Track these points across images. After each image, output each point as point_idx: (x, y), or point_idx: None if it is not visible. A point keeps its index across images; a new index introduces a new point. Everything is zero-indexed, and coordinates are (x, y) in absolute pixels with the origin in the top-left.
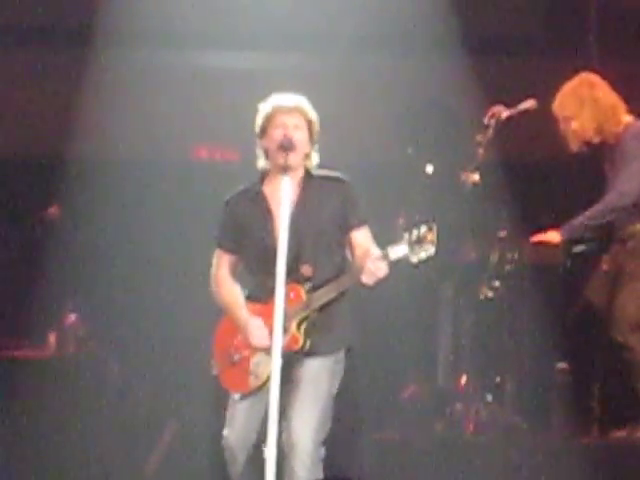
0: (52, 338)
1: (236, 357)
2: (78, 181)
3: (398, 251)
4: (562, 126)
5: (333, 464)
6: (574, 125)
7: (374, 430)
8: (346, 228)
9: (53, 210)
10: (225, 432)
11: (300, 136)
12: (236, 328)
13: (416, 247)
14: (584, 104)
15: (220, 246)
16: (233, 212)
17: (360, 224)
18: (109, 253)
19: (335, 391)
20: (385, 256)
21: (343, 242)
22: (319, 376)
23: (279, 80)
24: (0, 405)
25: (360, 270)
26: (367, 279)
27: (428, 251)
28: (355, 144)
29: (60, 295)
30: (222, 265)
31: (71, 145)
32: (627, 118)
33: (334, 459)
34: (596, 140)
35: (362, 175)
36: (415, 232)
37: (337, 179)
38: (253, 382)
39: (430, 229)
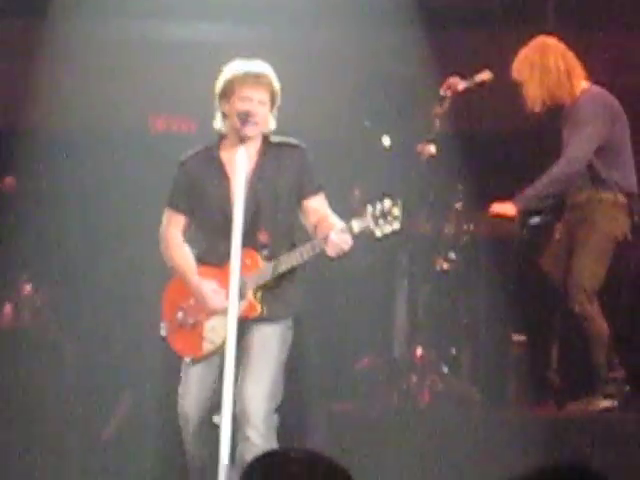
0: (8, 308)
1: (190, 320)
2: (34, 151)
3: (362, 224)
4: (521, 90)
5: (288, 435)
6: (526, 90)
7: (329, 401)
8: (302, 194)
9: (8, 181)
10: (179, 398)
11: (263, 110)
12: (186, 291)
13: (380, 221)
14: (534, 69)
15: (172, 206)
16: (188, 174)
17: (316, 191)
18: (65, 223)
19: (285, 357)
20: (349, 229)
21: (299, 209)
22: (269, 342)
23: (234, 52)
24: None
25: (323, 241)
26: (331, 251)
27: (393, 225)
28: (311, 116)
29: (16, 266)
30: (172, 225)
31: (27, 115)
32: (584, 83)
33: (289, 430)
34: (549, 104)
35: (318, 147)
36: (379, 206)
37: (294, 145)
38: (207, 347)
39: (395, 204)
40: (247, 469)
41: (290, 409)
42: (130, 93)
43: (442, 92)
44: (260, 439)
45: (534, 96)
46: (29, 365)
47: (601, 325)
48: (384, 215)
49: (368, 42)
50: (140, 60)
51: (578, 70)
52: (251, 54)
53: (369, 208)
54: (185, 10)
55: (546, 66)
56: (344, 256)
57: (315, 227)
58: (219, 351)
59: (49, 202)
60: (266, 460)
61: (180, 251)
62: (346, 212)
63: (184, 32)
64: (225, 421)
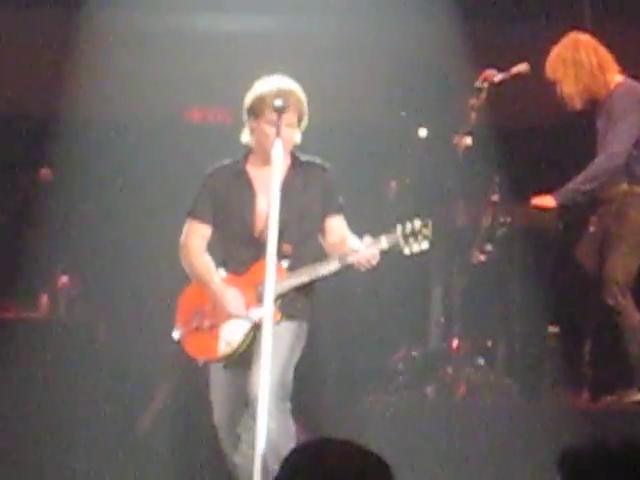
0: (44, 300)
1: (206, 323)
2: (70, 143)
3: (391, 240)
4: (557, 89)
5: (324, 427)
6: (562, 88)
7: (366, 393)
8: (324, 213)
9: (44, 172)
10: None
11: (291, 134)
12: (204, 295)
13: (410, 239)
14: (567, 66)
15: (194, 216)
16: (213, 186)
17: (337, 211)
18: (101, 215)
19: (296, 357)
20: (377, 243)
21: (320, 227)
22: (282, 334)
23: (270, 44)
24: None
25: (350, 254)
26: (359, 264)
27: (422, 245)
28: (348, 108)
29: (52, 257)
30: (193, 234)
31: (64, 107)
32: (618, 77)
33: (326, 422)
34: (587, 99)
35: (356, 138)
36: (409, 225)
37: (319, 166)
38: (224, 349)
39: (425, 224)
40: (289, 457)
41: (328, 400)
42: (167, 84)
43: (478, 84)
44: (274, 423)
45: (571, 93)
46: (64, 356)
47: (634, 318)
48: (414, 234)
49: (405, 33)
50: (176, 51)
51: (611, 64)
52: (288, 46)
53: (399, 227)
54: (221, 1)
55: (579, 61)
56: (371, 270)
57: (333, 247)
58: (235, 354)
59: (84, 193)
60: (307, 450)
61: (201, 259)
62: (384, 205)
63: (220, 23)
64: (261, 422)
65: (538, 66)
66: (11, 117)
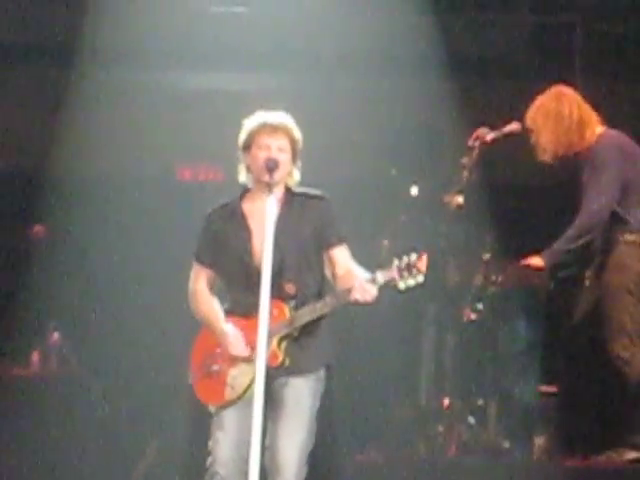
0: (35, 356)
1: (214, 368)
2: (62, 198)
3: (386, 276)
4: (531, 139)
5: None
6: (537, 138)
7: (356, 451)
8: (326, 246)
9: (37, 229)
10: (214, 444)
11: (284, 158)
12: (214, 340)
13: (405, 274)
14: (548, 118)
15: (198, 260)
16: (211, 227)
17: (339, 242)
18: (92, 271)
19: (317, 409)
20: (374, 280)
21: (323, 260)
22: (302, 395)
23: (261, 100)
24: None
25: (347, 291)
26: (354, 301)
27: (417, 279)
28: (338, 164)
29: (43, 313)
30: (200, 279)
31: (54, 163)
32: (599, 129)
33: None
34: (561, 153)
35: (345, 195)
36: (405, 259)
37: (317, 197)
38: (229, 394)
39: (420, 257)
40: None
41: (316, 457)
42: (157, 142)
43: (470, 142)
44: None
45: (545, 144)
46: (56, 413)
47: None
48: (409, 268)
49: (397, 91)
50: (166, 109)
51: (593, 119)
52: (278, 102)
53: (395, 261)
54: (212, 59)
55: (560, 114)
56: (368, 305)
57: (341, 279)
58: (240, 399)
59: (78, 250)
60: None
61: (207, 302)
62: (374, 262)
63: (211, 81)
64: (253, 472)
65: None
66: (3, 173)
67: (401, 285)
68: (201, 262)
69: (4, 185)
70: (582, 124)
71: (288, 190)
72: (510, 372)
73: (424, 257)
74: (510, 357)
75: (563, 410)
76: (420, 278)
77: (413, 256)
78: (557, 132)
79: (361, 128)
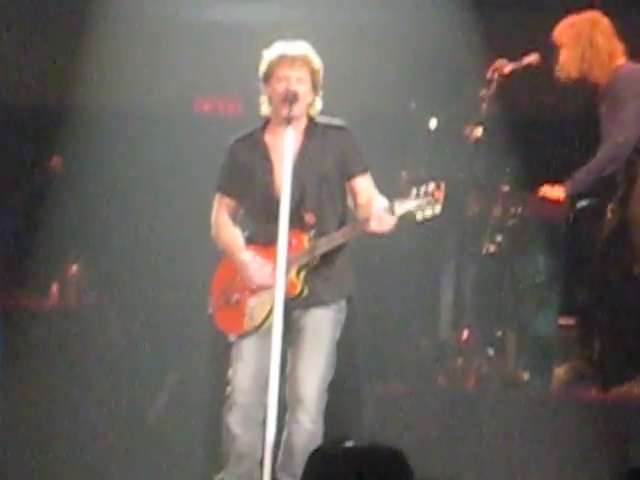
0: (54, 289)
1: (233, 298)
2: (80, 131)
3: (405, 206)
4: (559, 54)
5: (334, 417)
6: (564, 54)
7: (376, 383)
8: (348, 175)
9: (55, 161)
10: (233, 373)
11: (303, 89)
12: (234, 270)
13: (422, 203)
14: (580, 39)
15: (220, 190)
16: (234, 158)
17: (362, 171)
18: (112, 204)
19: (337, 340)
20: (391, 209)
21: (345, 190)
22: (323, 325)
23: (280, 32)
24: (3, 356)
25: (365, 221)
26: (371, 229)
27: (434, 209)
28: (357, 98)
29: (62, 246)
30: (222, 209)
31: (73, 95)
32: (621, 60)
33: (335, 411)
34: (581, 77)
35: (364, 128)
36: (423, 188)
37: (339, 127)
38: (248, 323)
39: (438, 187)
40: (311, 460)
41: (336, 390)
42: (176, 75)
43: (489, 75)
44: (310, 423)
45: (571, 64)
46: (75, 345)
47: None
48: (427, 197)
49: (415, 23)
50: (186, 40)
51: (619, 50)
52: (296, 34)
53: (413, 190)
54: None
55: (593, 42)
56: (385, 235)
57: (360, 207)
58: (260, 328)
59: (95, 182)
60: (328, 451)
61: (228, 231)
62: (393, 194)
63: (230, 12)
64: (272, 401)
65: (549, 56)
66: (22, 106)
67: (418, 216)
68: (224, 192)
69: (22, 118)
70: (611, 58)
71: (310, 120)
72: (529, 304)
73: (442, 186)
74: (529, 289)
75: (583, 342)
76: (437, 208)
77: (431, 185)
78: (583, 54)
79: (380, 61)
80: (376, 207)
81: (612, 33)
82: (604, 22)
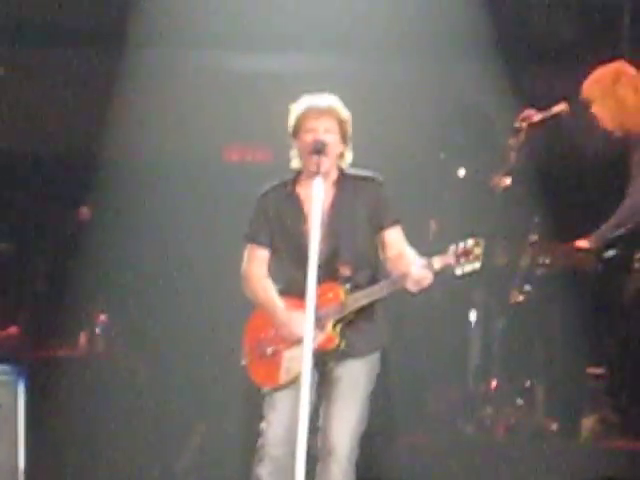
0: (83, 338)
1: (269, 350)
2: (110, 181)
3: (443, 261)
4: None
5: (364, 466)
6: (595, 110)
7: (405, 433)
8: (379, 227)
9: (84, 210)
10: (266, 425)
11: (331, 139)
12: (268, 322)
13: (462, 259)
14: (605, 95)
15: (252, 240)
16: (266, 208)
17: (393, 223)
18: (140, 253)
19: (371, 391)
20: (430, 265)
21: (377, 242)
22: (357, 378)
23: (311, 82)
24: (33, 403)
25: (403, 277)
26: (411, 286)
27: (473, 265)
28: (387, 147)
29: (91, 295)
30: (254, 260)
31: (104, 145)
32: None
33: (365, 461)
34: (614, 130)
35: (394, 178)
36: (462, 245)
37: (371, 179)
38: (284, 376)
39: (477, 244)
40: None
41: (366, 439)
42: (206, 124)
43: (517, 124)
44: (342, 475)
45: (603, 119)
46: (103, 395)
47: None
48: (466, 254)
49: (445, 73)
50: (215, 91)
51: None
52: (328, 85)
53: (452, 247)
54: (261, 41)
55: (618, 97)
56: (423, 291)
57: (392, 261)
58: (295, 381)
59: (125, 232)
60: None
61: (263, 284)
62: (423, 244)
63: (260, 63)
64: (300, 452)
65: (577, 107)
66: (53, 156)
67: (458, 271)
68: (257, 242)
69: (53, 168)
70: (636, 107)
71: (341, 172)
72: (558, 354)
73: (481, 243)
74: (558, 339)
75: (611, 392)
76: (477, 264)
77: (470, 242)
78: (611, 111)
79: (409, 111)
80: (415, 263)
81: (638, 82)
82: (629, 73)
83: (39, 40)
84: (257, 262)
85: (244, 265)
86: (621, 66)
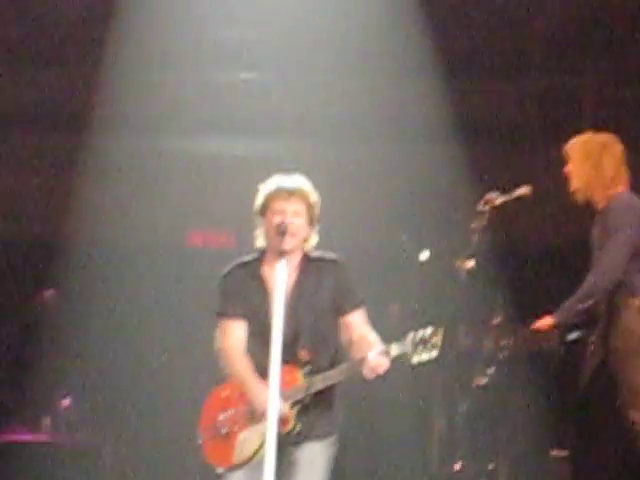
0: (46, 422)
1: (223, 430)
2: (73, 263)
3: (401, 349)
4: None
5: None
6: (571, 168)
7: None
8: (342, 311)
9: (49, 294)
10: None
11: (299, 222)
12: (226, 401)
13: (419, 347)
14: (588, 159)
15: (225, 315)
16: (233, 283)
17: (355, 306)
18: (104, 337)
19: (328, 474)
20: (386, 352)
21: (338, 325)
22: (315, 460)
23: (274, 166)
24: None
25: (361, 362)
26: (367, 373)
27: (430, 353)
28: (349, 230)
29: (54, 379)
30: (230, 334)
31: (65, 228)
32: (620, 188)
33: None
34: (584, 197)
35: (356, 261)
36: (421, 332)
37: (332, 260)
38: (237, 457)
39: (436, 332)
40: None
41: None
42: (168, 208)
43: (480, 207)
44: None
45: (575, 179)
46: (67, 479)
47: None
48: (424, 342)
49: (407, 156)
50: (178, 175)
51: (624, 180)
52: (289, 168)
53: (410, 334)
54: (223, 125)
55: (600, 164)
56: (379, 378)
57: (354, 344)
58: (250, 461)
59: (88, 315)
60: None
61: (240, 358)
62: (385, 327)
63: (222, 147)
64: None
65: (540, 189)
66: (17, 240)
67: (415, 359)
68: (230, 315)
69: (15, 250)
70: (612, 180)
71: (305, 255)
72: (521, 436)
73: (440, 332)
74: (521, 421)
75: (575, 475)
76: (434, 353)
77: (429, 330)
78: (588, 176)
79: (372, 193)
80: (372, 351)
81: (622, 160)
82: (617, 148)
83: (7, 125)
84: (233, 336)
85: (218, 342)
86: (613, 139)
